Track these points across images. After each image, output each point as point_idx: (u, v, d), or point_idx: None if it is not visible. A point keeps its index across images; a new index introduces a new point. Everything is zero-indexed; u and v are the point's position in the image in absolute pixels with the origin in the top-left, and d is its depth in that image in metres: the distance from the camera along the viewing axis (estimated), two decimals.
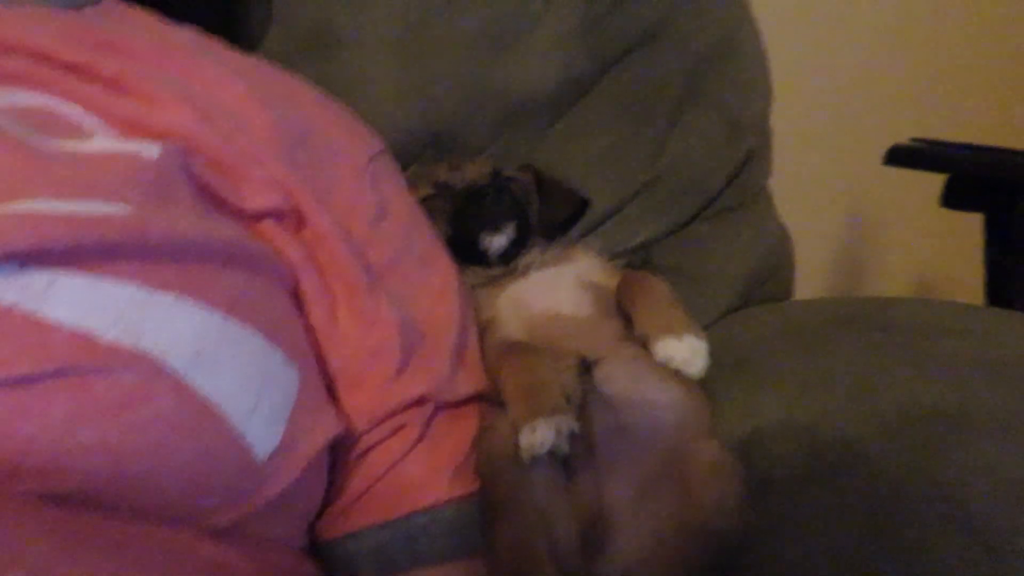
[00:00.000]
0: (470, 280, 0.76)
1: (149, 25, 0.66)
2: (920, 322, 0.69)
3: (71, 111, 0.54)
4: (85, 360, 0.41)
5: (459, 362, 0.65)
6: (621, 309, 0.71)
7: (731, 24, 0.97)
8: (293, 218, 0.59)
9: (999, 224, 1.16)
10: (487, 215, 0.77)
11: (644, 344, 0.66)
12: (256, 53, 0.74)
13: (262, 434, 0.47)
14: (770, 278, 0.99)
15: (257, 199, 0.57)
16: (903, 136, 1.16)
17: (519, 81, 0.88)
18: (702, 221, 0.94)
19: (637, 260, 0.93)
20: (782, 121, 1.01)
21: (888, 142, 1.14)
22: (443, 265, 0.70)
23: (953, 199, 1.15)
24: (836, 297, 0.95)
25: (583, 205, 0.90)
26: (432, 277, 0.68)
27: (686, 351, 0.64)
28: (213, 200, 0.54)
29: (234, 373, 0.46)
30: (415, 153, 0.89)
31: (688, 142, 0.93)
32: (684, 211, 0.94)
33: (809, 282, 1.13)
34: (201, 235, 0.48)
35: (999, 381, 0.57)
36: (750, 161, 0.97)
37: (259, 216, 0.57)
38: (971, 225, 1.11)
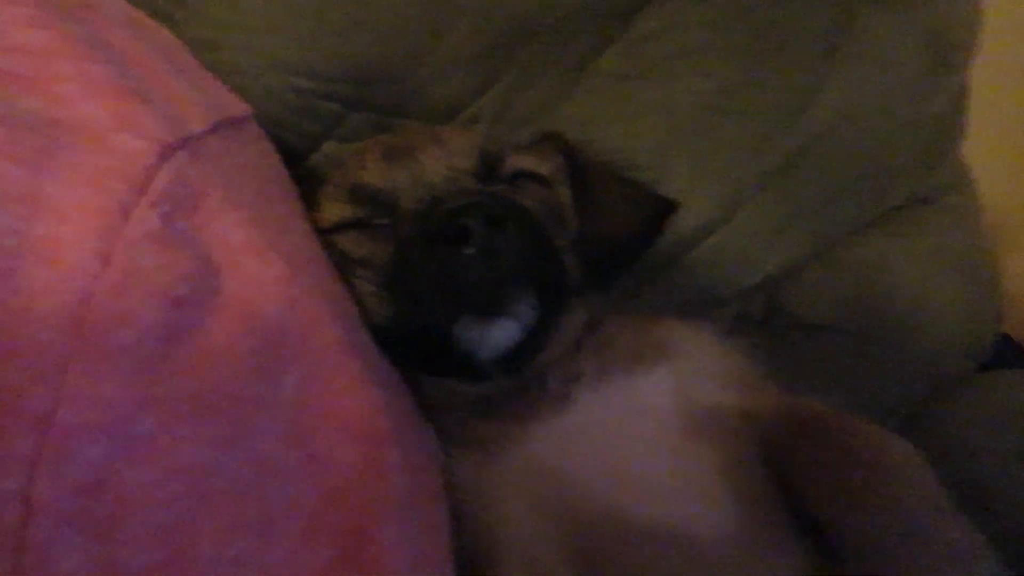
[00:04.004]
0: (435, 420, 0.38)
1: None
2: None
3: None
4: None
5: None
6: (791, 489, 0.36)
7: None
8: None
9: None
10: (473, 281, 0.35)
11: None
12: None
13: None
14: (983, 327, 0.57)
15: None
16: None
17: None
18: (878, 228, 0.54)
19: (758, 310, 0.50)
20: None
21: None
22: (363, 428, 0.30)
23: None
24: None
25: (664, 213, 0.46)
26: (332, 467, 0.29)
27: None
28: None
29: None
30: (321, 117, 0.44)
31: (856, 82, 0.50)
32: (846, 212, 0.54)
33: None
34: None
35: None
36: (955, 114, 0.53)
37: None
38: None
